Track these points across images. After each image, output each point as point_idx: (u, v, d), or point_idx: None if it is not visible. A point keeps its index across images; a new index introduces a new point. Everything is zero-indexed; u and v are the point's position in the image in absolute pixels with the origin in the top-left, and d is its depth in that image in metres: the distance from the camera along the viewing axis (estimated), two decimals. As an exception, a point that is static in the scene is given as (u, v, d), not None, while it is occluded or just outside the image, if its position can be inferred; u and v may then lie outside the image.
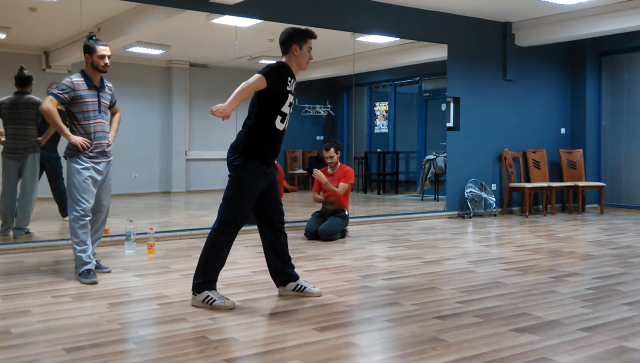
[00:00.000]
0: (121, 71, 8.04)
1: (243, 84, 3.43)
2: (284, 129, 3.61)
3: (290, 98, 3.57)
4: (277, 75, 3.50)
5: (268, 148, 3.56)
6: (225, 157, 3.60)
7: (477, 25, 8.37)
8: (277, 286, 3.83)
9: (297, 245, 5.70)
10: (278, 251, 3.75)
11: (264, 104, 3.52)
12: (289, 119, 3.64)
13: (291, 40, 3.58)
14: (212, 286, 3.55)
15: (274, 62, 3.56)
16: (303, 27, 3.67)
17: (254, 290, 3.90)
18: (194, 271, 4.54)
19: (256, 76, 3.45)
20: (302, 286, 3.77)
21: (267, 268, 4.39)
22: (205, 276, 3.54)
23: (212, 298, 3.50)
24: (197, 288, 3.53)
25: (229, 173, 3.56)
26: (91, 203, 4.27)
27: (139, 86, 9.07)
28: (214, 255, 3.53)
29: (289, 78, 3.54)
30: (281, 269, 3.77)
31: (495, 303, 3.67)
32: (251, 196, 3.54)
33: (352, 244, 5.95)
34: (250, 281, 4.21)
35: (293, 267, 3.82)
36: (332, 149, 6.14)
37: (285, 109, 3.55)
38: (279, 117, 3.53)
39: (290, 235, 6.37)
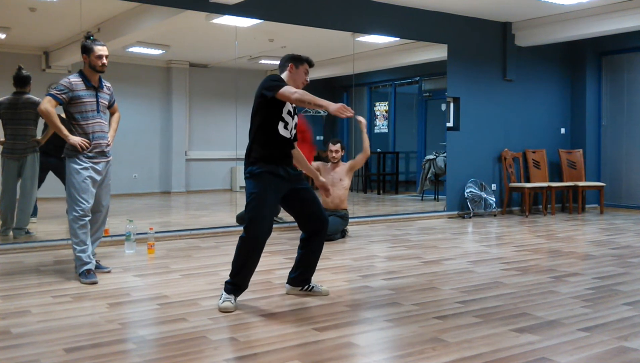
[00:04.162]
0: (121, 71, 8.05)
1: (302, 92, 3.42)
2: (290, 138, 3.61)
3: (289, 106, 3.58)
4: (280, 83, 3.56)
5: (275, 151, 3.55)
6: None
7: (477, 25, 8.37)
8: (287, 283, 3.85)
9: (297, 245, 5.68)
10: (308, 261, 3.77)
11: (265, 110, 3.54)
12: (294, 132, 3.65)
13: (288, 60, 3.70)
14: (234, 290, 3.55)
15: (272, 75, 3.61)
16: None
17: (254, 290, 3.89)
18: (194, 272, 4.56)
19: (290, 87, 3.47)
20: (310, 286, 3.81)
21: (267, 269, 4.38)
22: (233, 279, 3.55)
23: (222, 299, 3.51)
24: (225, 287, 3.57)
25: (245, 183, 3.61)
26: (90, 203, 4.26)
27: (139, 86, 9.08)
28: (239, 263, 3.53)
29: None
30: (302, 277, 3.81)
31: (495, 303, 3.67)
32: (268, 203, 3.50)
33: (352, 244, 5.95)
34: (250, 281, 4.20)
35: (309, 278, 3.84)
36: (339, 144, 6.28)
37: (286, 116, 3.56)
38: (281, 123, 3.54)
39: (290, 235, 6.40)
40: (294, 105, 3.64)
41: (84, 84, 4.26)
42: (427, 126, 9.97)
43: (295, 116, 3.68)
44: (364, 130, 5.95)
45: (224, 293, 3.54)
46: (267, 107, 3.53)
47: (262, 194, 3.48)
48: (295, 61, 3.71)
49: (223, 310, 3.44)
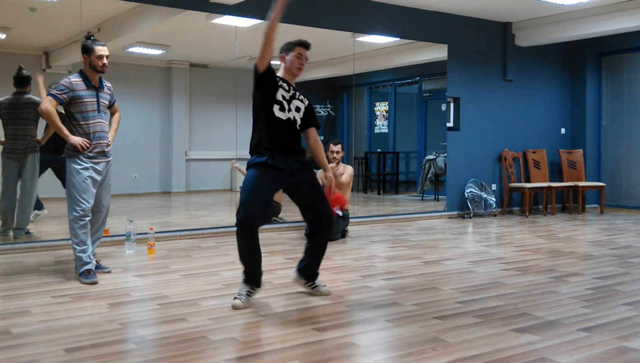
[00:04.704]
0: (121, 71, 8.06)
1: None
2: (289, 120, 3.58)
3: (282, 92, 3.57)
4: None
5: (272, 136, 3.55)
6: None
7: (477, 25, 8.37)
8: (295, 271, 3.89)
9: (297, 245, 5.69)
10: (315, 252, 3.82)
11: (260, 97, 3.57)
12: (296, 115, 3.61)
13: (280, 51, 3.69)
14: (246, 279, 3.60)
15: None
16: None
17: (254, 290, 3.89)
18: (194, 272, 4.56)
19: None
20: (314, 284, 3.83)
21: (268, 269, 4.38)
22: (243, 267, 3.60)
23: (236, 295, 3.57)
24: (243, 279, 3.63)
25: None
26: (91, 203, 4.26)
27: (139, 86, 9.08)
28: (239, 249, 3.54)
29: (276, 76, 3.62)
30: (309, 270, 3.85)
31: (495, 303, 3.67)
32: (257, 190, 3.50)
33: (352, 244, 5.95)
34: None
35: (317, 274, 3.87)
36: (340, 145, 6.30)
37: (279, 98, 3.55)
38: (276, 106, 3.54)
39: (290, 235, 6.41)
40: (291, 90, 3.62)
41: (84, 84, 4.26)
42: (427, 126, 9.97)
43: (296, 100, 3.63)
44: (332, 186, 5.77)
45: (241, 286, 3.60)
46: (260, 94, 3.55)
47: (252, 181, 3.51)
48: (286, 50, 3.67)
49: (233, 307, 3.49)
